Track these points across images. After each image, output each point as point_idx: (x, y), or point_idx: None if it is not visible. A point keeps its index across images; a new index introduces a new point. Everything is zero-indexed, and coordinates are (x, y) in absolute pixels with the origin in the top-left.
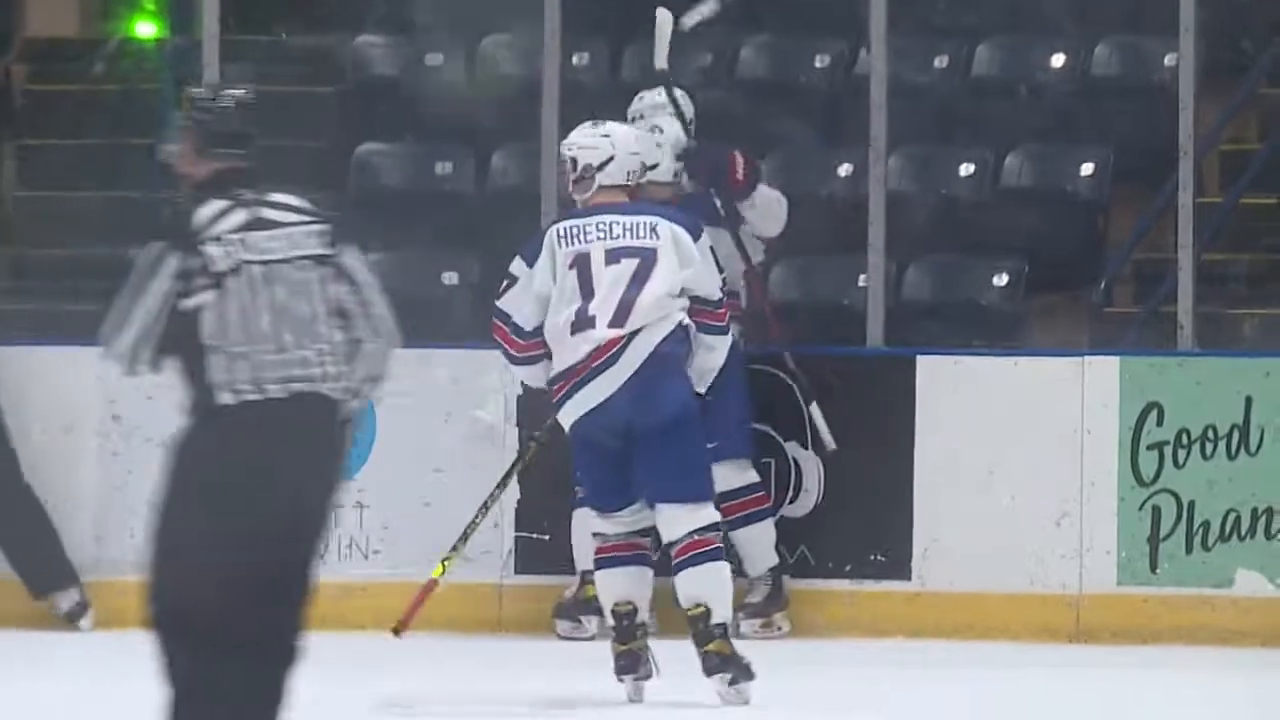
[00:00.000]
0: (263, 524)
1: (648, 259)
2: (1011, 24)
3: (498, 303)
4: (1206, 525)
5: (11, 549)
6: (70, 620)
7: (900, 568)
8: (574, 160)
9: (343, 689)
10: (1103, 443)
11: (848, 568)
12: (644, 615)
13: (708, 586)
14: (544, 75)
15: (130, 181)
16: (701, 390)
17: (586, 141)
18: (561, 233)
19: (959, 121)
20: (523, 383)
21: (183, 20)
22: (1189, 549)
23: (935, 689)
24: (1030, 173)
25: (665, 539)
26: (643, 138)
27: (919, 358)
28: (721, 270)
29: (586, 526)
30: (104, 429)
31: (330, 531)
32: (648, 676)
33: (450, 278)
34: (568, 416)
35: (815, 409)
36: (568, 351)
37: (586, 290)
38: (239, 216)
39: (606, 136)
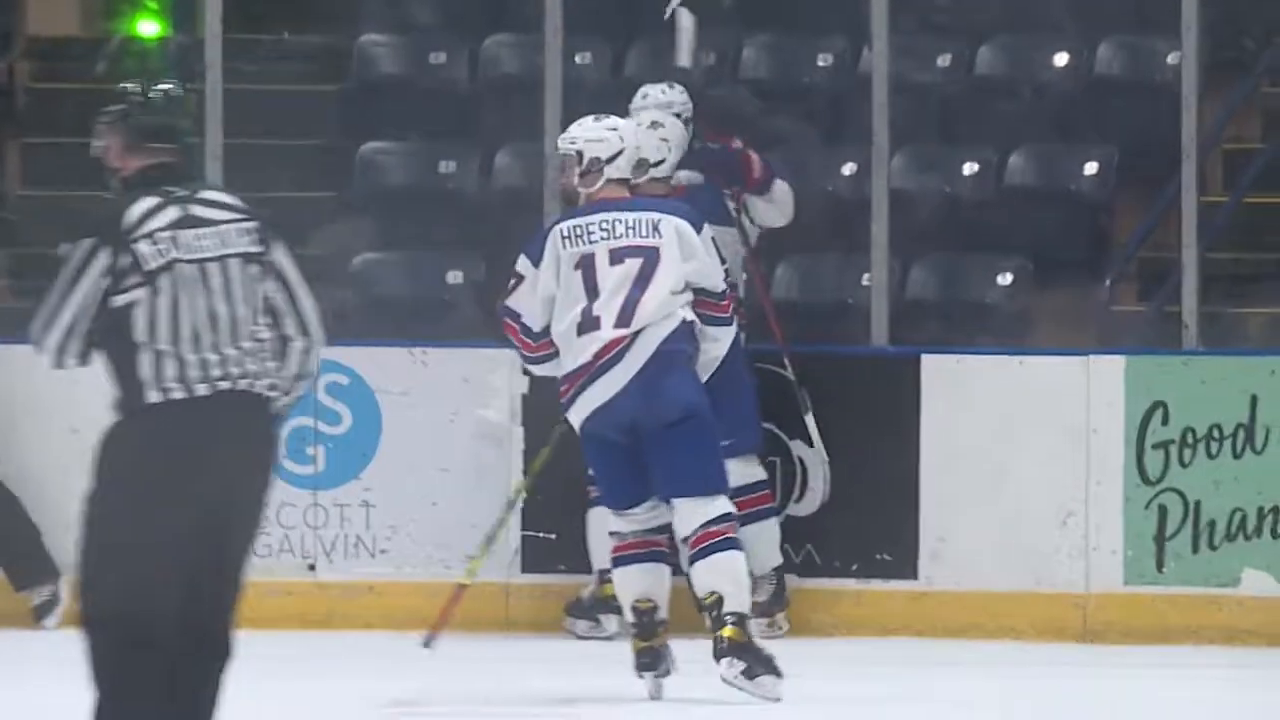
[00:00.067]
0: (190, 522)
1: (651, 258)
2: (1014, 23)
3: (506, 302)
4: (1213, 524)
5: None
6: (38, 617)
7: (906, 567)
8: (579, 154)
9: (350, 688)
10: (1108, 442)
11: (854, 567)
12: (664, 613)
13: (720, 575)
14: (546, 74)
15: None
16: (703, 379)
17: (594, 135)
18: (565, 233)
19: (962, 120)
20: (529, 382)
21: (185, 19)
22: (1195, 548)
23: (942, 688)
24: (1034, 172)
25: (680, 534)
26: (646, 133)
27: (924, 357)
28: (724, 261)
29: (603, 525)
30: None
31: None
32: (667, 673)
33: (455, 277)
34: (577, 416)
35: (810, 418)
36: (575, 352)
37: (591, 291)
38: (170, 214)
39: (614, 130)
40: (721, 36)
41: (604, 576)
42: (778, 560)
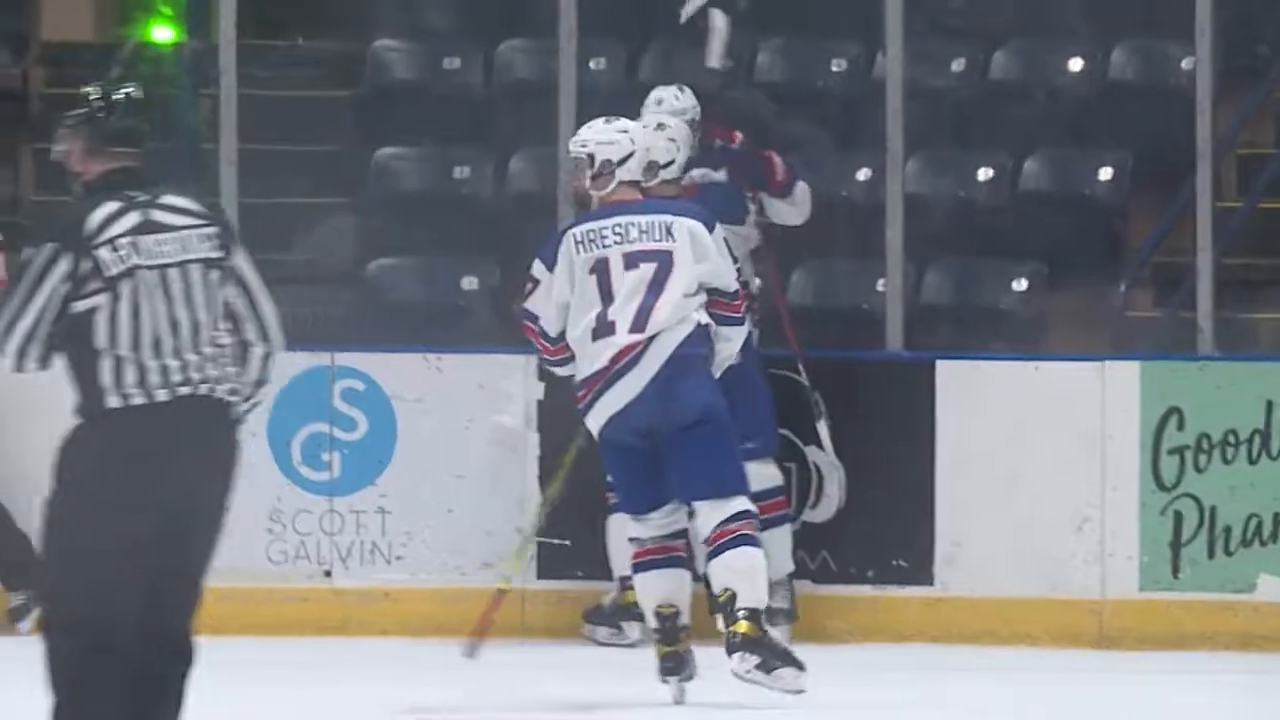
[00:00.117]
0: (150, 527)
1: (665, 262)
2: (1029, 28)
3: (525, 305)
4: (1228, 530)
5: None
6: (13, 620)
7: (922, 573)
8: (591, 156)
9: (367, 695)
10: (1123, 447)
11: (870, 573)
12: (686, 617)
13: (733, 571)
14: (560, 79)
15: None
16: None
17: (605, 137)
18: (578, 238)
19: (977, 125)
20: (544, 388)
21: (199, 24)
22: (1211, 554)
23: (957, 694)
24: (1048, 176)
25: (700, 536)
26: (654, 134)
27: (938, 362)
28: (736, 261)
29: (623, 532)
30: None
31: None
32: (690, 678)
33: (470, 282)
34: (594, 422)
35: (823, 424)
36: (591, 357)
37: (606, 296)
38: (131, 219)
39: (625, 132)
40: (736, 40)
41: (625, 583)
42: (790, 568)
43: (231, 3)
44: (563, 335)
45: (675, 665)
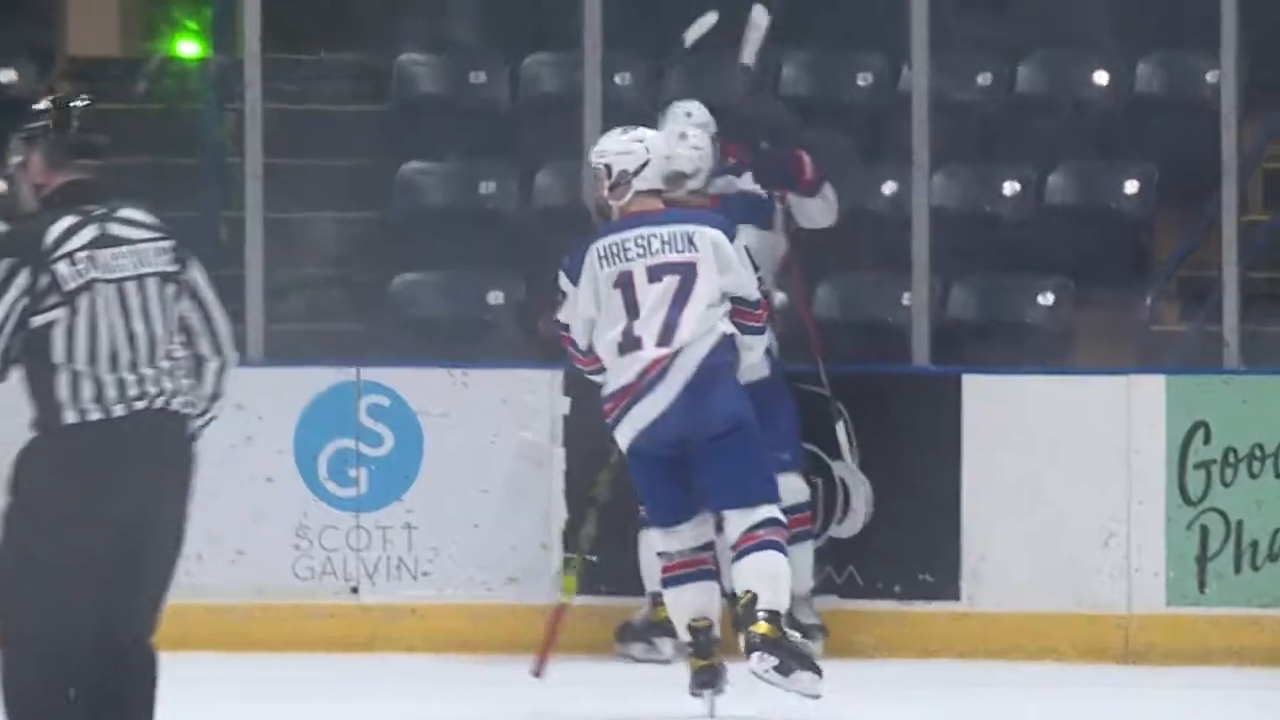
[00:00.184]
0: (106, 543)
1: (688, 275)
2: (1054, 41)
3: (559, 316)
4: (1255, 545)
5: None
6: None
7: (948, 588)
8: (608, 167)
9: (393, 711)
10: (1150, 462)
11: (896, 588)
12: (718, 630)
13: (753, 574)
14: (585, 93)
15: (172, 201)
16: None
17: (620, 147)
18: (602, 252)
19: (1002, 139)
20: (570, 403)
21: (225, 39)
22: (1238, 568)
23: (984, 709)
24: (1074, 190)
25: (728, 544)
26: (678, 144)
27: (964, 376)
28: (757, 269)
29: (653, 548)
30: None
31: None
32: (722, 691)
33: (495, 297)
34: (624, 435)
35: (841, 428)
36: (617, 371)
37: (631, 309)
38: (88, 233)
39: (640, 141)
40: (761, 53)
41: (656, 599)
42: (810, 584)
43: (257, 17)
44: (591, 348)
45: (709, 679)
